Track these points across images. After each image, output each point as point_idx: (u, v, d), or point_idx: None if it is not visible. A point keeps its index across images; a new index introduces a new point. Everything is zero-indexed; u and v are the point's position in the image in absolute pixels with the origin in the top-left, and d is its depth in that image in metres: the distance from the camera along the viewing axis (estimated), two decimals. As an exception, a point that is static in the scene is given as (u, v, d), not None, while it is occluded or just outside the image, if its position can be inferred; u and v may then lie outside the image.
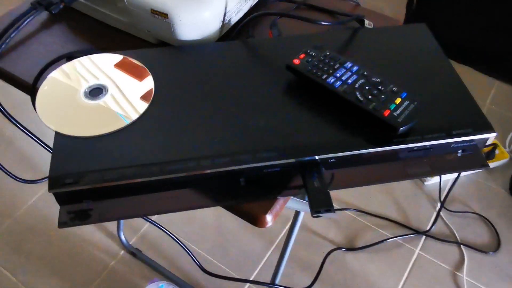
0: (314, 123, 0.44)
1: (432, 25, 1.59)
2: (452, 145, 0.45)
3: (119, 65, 0.49)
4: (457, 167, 0.47)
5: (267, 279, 1.09)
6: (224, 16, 0.54)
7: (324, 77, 0.46)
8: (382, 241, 1.17)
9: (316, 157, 0.42)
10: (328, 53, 0.48)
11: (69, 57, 0.50)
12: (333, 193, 1.26)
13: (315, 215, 0.40)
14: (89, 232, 1.17)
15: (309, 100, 0.46)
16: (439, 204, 1.24)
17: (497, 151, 1.30)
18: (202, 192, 0.43)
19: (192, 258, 0.95)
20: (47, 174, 0.40)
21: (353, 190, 1.27)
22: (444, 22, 1.59)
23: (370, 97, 0.44)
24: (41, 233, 1.17)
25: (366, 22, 0.58)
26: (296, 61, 0.47)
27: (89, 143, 0.42)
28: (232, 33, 0.57)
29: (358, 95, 0.44)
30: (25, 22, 0.53)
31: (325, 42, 0.53)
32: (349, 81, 0.45)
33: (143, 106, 0.45)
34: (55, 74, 0.48)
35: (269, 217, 0.43)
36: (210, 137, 0.43)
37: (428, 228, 1.19)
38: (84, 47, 0.56)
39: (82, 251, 1.14)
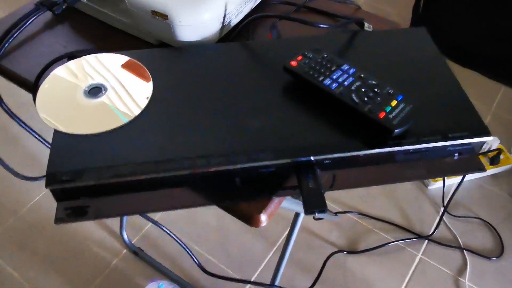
0: (310, 124, 0.44)
1: (438, 29, 1.59)
2: (448, 148, 0.45)
3: (119, 65, 0.50)
4: (454, 171, 0.47)
5: (268, 281, 1.09)
6: (224, 18, 0.54)
7: (320, 79, 0.46)
8: (384, 245, 1.16)
9: (311, 158, 0.42)
10: (325, 55, 0.48)
11: (71, 56, 0.51)
12: (336, 196, 1.26)
13: (314, 216, 0.40)
14: (92, 230, 1.19)
15: (305, 101, 0.46)
16: (442, 209, 1.23)
17: (502, 156, 1.29)
18: (197, 191, 0.43)
19: (193, 259, 0.95)
20: (47, 172, 0.41)
21: (355, 193, 1.27)
22: (451, 26, 1.58)
23: (366, 99, 0.44)
24: (45, 231, 1.19)
25: (366, 25, 0.59)
26: (293, 63, 0.47)
27: (87, 141, 0.43)
28: (231, 35, 0.57)
29: (354, 97, 0.44)
30: (29, 22, 0.54)
31: (324, 44, 0.53)
32: (346, 83, 0.46)
33: (141, 106, 0.45)
34: (56, 73, 0.48)
35: (263, 217, 0.43)
36: (206, 137, 0.43)
37: (430, 232, 1.19)
38: (85, 47, 0.56)
39: (85, 249, 1.15)
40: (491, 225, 1.20)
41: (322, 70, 0.47)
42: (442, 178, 1.26)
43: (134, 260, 1.13)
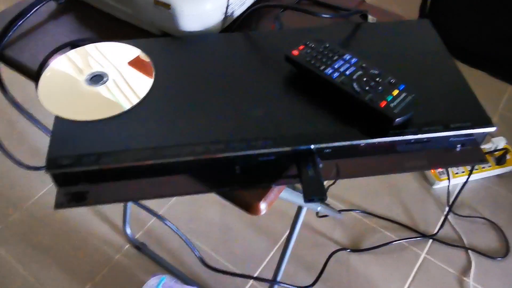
0: (310, 113, 0.44)
1: (445, 29, 1.58)
2: (450, 139, 0.45)
3: (121, 54, 0.50)
4: (456, 162, 0.47)
5: (271, 278, 1.08)
6: (227, 8, 0.54)
7: (322, 68, 0.46)
8: (387, 243, 1.16)
9: (311, 146, 0.42)
10: (327, 45, 0.48)
11: (73, 45, 0.51)
12: (339, 194, 1.26)
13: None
14: (96, 225, 1.19)
15: (307, 91, 0.46)
16: (447, 208, 1.22)
17: (508, 156, 1.28)
18: (197, 178, 0.43)
19: (195, 253, 0.95)
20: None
21: (359, 191, 1.27)
22: (458, 26, 1.57)
23: (367, 88, 0.44)
24: (49, 225, 1.19)
25: (370, 17, 0.58)
26: (295, 52, 0.47)
27: (88, 127, 0.43)
28: (234, 25, 0.57)
29: (355, 86, 0.44)
30: (32, 11, 0.54)
31: (326, 35, 0.53)
32: (347, 72, 0.45)
33: (142, 93, 0.45)
34: (59, 61, 0.49)
35: (263, 205, 0.43)
36: (207, 125, 0.43)
37: (435, 231, 1.18)
38: (88, 37, 0.57)
39: (88, 243, 1.16)
40: (496, 225, 1.19)
41: (324, 60, 0.46)
42: (447, 177, 1.25)
43: (137, 255, 1.13)
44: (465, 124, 0.44)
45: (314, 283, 1.08)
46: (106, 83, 0.47)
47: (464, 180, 1.08)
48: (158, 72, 0.48)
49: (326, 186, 1.24)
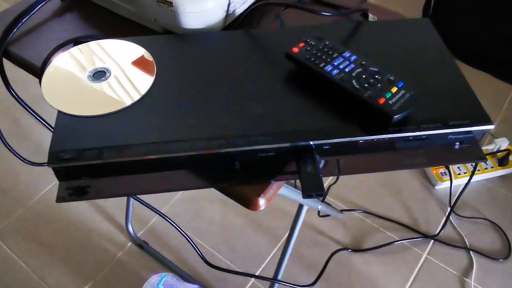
0: (310, 110, 0.45)
1: (449, 30, 1.58)
2: (449, 137, 0.45)
3: (123, 50, 0.50)
4: (455, 159, 0.47)
5: (272, 276, 1.09)
6: (228, 6, 0.55)
7: (321, 65, 0.46)
8: (389, 244, 1.16)
9: (310, 143, 0.42)
10: (327, 43, 0.49)
11: (76, 41, 0.52)
12: (341, 194, 1.26)
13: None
14: (98, 223, 1.20)
15: (306, 88, 0.47)
16: (449, 209, 1.22)
17: (511, 157, 1.28)
18: (197, 173, 0.43)
19: (196, 251, 0.96)
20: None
21: (361, 191, 1.27)
22: (461, 27, 1.57)
23: (366, 85, 0.44)
24: (52, 222, 1.20)
25: (370, 16, 0.59)
26: (295, 50, 0.48)
27: (90, 122, 0.43)
28: (236, 23, 0.57)
29: (355, 83, 0.44)
30: (36, 8, 0.55)
31: (327, 33, 0.53)
32: (347, 69, 0.46)
33: (144, 90, 0.46)
34: (62, 57, 0.49)
35: (262, 201, 0.43)
36: (207, 121, 0.43)
37: (437, 232, 1.18)
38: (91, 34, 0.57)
39: (91, 241, 1.16)
40: (498, 226, 1.19)
41: (324, 57, 0.47)
42: (449, 178, 1.25)
43: (139, 253, 1.14)
44: (463, 122, 0.44)
45: (314, 282, 1.08)
46: (108, 79, 0.47)
47: (466, 181, 1.08)
48: (160, 69, 0.49)
49: (327, 186, 1.24)
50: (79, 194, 0.42)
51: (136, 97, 0.45)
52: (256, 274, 1.11)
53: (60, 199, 0.41)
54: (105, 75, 0.47)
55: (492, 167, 1.28)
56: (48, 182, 1.28)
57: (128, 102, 0.45)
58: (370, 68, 0.46)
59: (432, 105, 0.45)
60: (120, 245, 1.16)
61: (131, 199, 1.11)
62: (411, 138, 0.44)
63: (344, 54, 0.47)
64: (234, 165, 0.44)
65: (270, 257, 1.14)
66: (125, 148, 0.41)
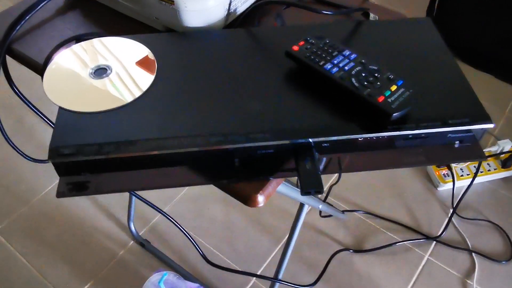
0: (309, 108, 0.45)
1: (452, 31, 1.57)
2: (449, 135, 0.45)
3: (125, 48, 0.51)
4: (454, 158, 0.47)
5: (273, 276, 1.09)
6: (230, 5, 0.55)
7: (321, 63, 0.46)
8: (390, 245, 1.15)
9: (310, 140, 0.42)
10: (327, 41, 0.49)
11: (78, 39, 0.52)
12: (343, 195, 1.26)
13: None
14: (100, 221, 1.20)
15: (306, 86, 0.47)
16: (451, 210, 1.22)
17: (514, 159, 1.27)
18: (196, 169, 0.44)
19: (198, 250, 0.96)
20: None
21: (363, 192, 1.27)
22: (465, 29, 1.57)
23: (365, 83, 0.44)
24: (55, 221, 1.21)
25: (371, 15, 0.59)
26: (295, 48, 0.48)
27: (91, 118, 0.44)
28: (237, 22, 0.58)
29: (354, 82, 0.44)
30: (39, 6, 0.55)
31: (327, 32, 0.53)
32: (346, 68, 0.46)
33: (144, 87, 0.46)
34: (64, 54, 0.50)
35: (261, 198, 0.44)
36: (207, 118, 0.44)
37: (439, 233, 1.17)
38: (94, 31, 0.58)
39: (93, 239, 1.17)
40: (501, 228, 1.18)
41: (323, 55, 0.47)
42: (452, 179, 1.25)
43: (141, 252, 1.14)
44: (463, 120, 0.44)
45: (315, 283, 1.08)
46: (109, 76, 0.47)
47: (469, 182, 1.07)
48: (160, 66, 0.49)
49: (329, 186, 1.24)
50: (79, 189, 0.42)
51: (137, 94, 0.46)
52: (257, 273, 1.11)
53: (60, 194, 0.42)
54: (106, 72, 0.48)
55: (495, 169, 1.27)
56: (51, 181, 1.29)
57: (129, 98, 0.45)
58: (370, 67, 0.46)
59: (431, 104, 0.45)
60: (122, 244, 1.16)
61: (133, 197, 1.12)
62: (410, 136, 0.44)
63: (344, 53, 0.47)
64: (234, 161, 0.44)
65: (272, 256, 1.14)
66: (124, 144, 0.41)
